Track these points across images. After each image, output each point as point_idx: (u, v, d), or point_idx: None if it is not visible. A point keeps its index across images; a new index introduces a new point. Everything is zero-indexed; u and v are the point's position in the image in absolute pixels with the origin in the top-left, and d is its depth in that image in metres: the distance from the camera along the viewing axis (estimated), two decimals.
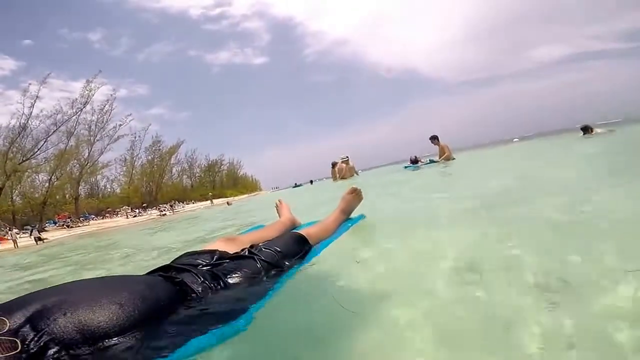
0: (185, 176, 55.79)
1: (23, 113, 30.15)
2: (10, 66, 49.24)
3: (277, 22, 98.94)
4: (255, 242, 1.58)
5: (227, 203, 20.17)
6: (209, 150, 71.15)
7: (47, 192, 30.63)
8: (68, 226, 26.27)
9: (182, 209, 36.06)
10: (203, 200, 45.52)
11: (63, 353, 0.67)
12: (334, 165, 13.88)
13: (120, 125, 37.14)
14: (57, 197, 32.41)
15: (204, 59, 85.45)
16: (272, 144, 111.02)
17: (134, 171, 43.81)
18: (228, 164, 66.84)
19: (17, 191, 30.79)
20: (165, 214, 28.88)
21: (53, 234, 21.64)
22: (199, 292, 1.03)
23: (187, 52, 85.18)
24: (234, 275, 1.17)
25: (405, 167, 10.52)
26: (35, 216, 29.67)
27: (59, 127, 31.89)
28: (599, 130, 11.48)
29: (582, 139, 10.45)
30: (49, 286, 0.85)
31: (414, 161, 10.50)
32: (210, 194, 46.74)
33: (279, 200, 2.59)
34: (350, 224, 2.19)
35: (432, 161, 9.93)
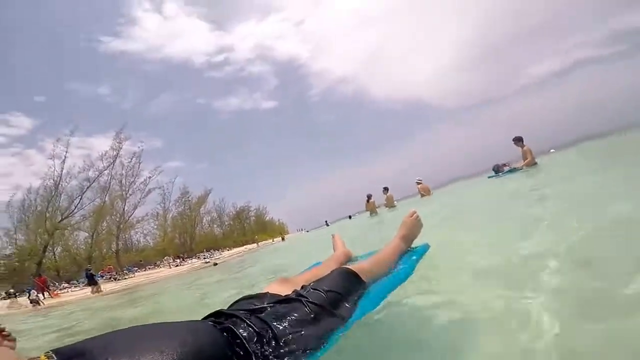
0: (215, 225, 55.42)
1: (54, 171, 30.84)
2: (25, 124, 48.00)
3: (281, 64, 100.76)
4: (309, 281, 1.49)
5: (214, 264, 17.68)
6: (234, 198, 70.21)
7: (90, 247, 30.28)
8: (115, 279, 25.50)
9: (222, 255, 35.61)
10: (237, 247, 45.00)
11: None
12: (369, 198, 13.25)
13: (149, 178, 37.75)
14: (96, 252, 31.99)
15: (213, 107, 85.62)
16: (293, 186, 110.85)
17: (166, 224, 43.40)
18: (255, 210, 67.18)
19: (60, 248, 30.42)
20: (216, 264, 27.89)
21: (105, 286, 20.81)
22: (244, 339, 0.99)
23: (195, 101, 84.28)
24: (282, 321, 1.10)
25: (489, 177, 9.98)
26: (78, 272, 29.04)
27: (92, 183, 32.61)
28: None
29: None
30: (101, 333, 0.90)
31: (497, 170, 9.80)
32: (256, 237, 48.21)
33: (333, 235, 2.50)
34: (415, 257, 1.85)
35: (513, 169, 9.16)
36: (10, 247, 29.20)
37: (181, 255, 38.69)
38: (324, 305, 1.19)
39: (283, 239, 42.91)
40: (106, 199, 33.57)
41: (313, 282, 1.41)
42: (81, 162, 33.89)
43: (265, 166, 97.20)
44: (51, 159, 31.07)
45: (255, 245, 42.86)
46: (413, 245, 1.97)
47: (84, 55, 62.22)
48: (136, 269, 31.72)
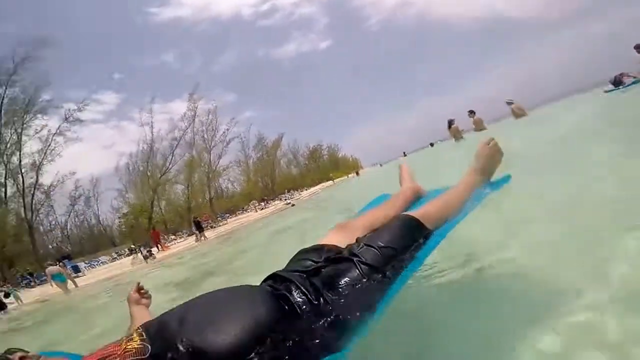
0: (292, 166, 58.61)
1: (146, 136, 35.99)
2: (113, 100, 55.63)
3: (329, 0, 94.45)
4: (369, 226, 1.45)
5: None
6: (306, 139, 72.32)
7: (187, 199, 34.55)
8: (212, 227, 28.59)
9: (300, 195, 38.03)
10: (314, 185, 47.68)
11: None
12: (450, 124, 12.13)
13: (227, 129, 41.75)
14: (193, 203, 36.18)
15: (273, 55, 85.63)
16: (366, 121, 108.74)
17: (249, 169, 47.21)
18: (327, 149, 69.11)
19: (164, 202, 35.18)
20: (293, 204, 29.71)
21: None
22: (298, 306, 1.01)
23: (255, 53, 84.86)
24: (334, 286, 1.08)
25: (607, 91, 8.25)
26: (181, 223, 33.42)
27: (179, 141, 37.24)
28: None
29: None
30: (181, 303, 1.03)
31: (617, 82, 8.06)
32: (331, 174, 51.85)
33: (400, 166, 2.08)
34: (489, 191, 1.51)
35: (638, 80, 7.58)
36: (124, 206, 35.20)
37: (265, 197, 41.91)
38: (377, 265, 1.13)
39: (357, 174, 44.42)
40: (193, 153, 38.17)
41: (369, 234, 1.33)
42: (166, 125, 39.11)
43: (334, 105, 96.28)
44: (141, 126, 36.28)
45: (331, 182, 45.32)
46: (493, 179, 1.62)
47: (141, 29, 66.96)
48: (228, 215, 35.42)
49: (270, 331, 0.94)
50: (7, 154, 26.28)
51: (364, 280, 1.09)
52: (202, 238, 18.69)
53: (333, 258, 1.21)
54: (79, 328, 4.60)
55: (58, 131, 29.06)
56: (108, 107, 52.49)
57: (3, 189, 25.95)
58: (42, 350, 1.19)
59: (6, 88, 25.94)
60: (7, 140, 26.36)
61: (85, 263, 24.76)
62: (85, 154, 47.40)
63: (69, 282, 12.41)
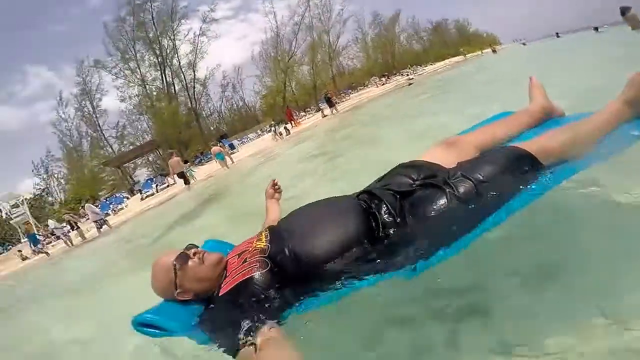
0: (413, 41, 55.78)
1: (272, 25, 39.39)
2: None
3: None
4: (480, 145, 1.37)
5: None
6: (429, 16, 66.58)
7: (313, 78, 38.07)
8: (336, 102, 30.83)
9: (424, 70, 37.71)
10: (439, 61, 46.13)
11: (288, 272, 1.08)
12: (624, 11, 9.77)
13: (342, 9, 42.10)
14: (319, 81, 39.09)
15: None
16: None
17: (367, 46, 47.31)
18: (455, 23, 63.76)
19: (294, 82, 39.21)
20: (411, 83, 29.42)
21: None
22: (384, 225, 1.13)
23: None
24: (421, 213, 1.09)
25: None
26: (309, 100, 37.19)
27: (299, 26, 39.75)
28: None
29: None
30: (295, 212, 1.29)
31: None
32: (461, 49, 49.32)
33: (530, 78, 1.67)
34: (638, 132, 1.17)
35: None
36: (263, 89, 40.44)
37: (386, 73, 42.44)
38: (469, 201, 1.05)
39: (494, 51, 41.11)
40: (314, 35, 40.21)
41: (473, 159, 1.21)
42: (287, 12, 41.43)
43: None
44: (265, 16, 39.71)
45: (462, 57, 43.77)
46: None
47: None
48: (350, 90, 37.64)
49: (357, 244, 1.10)
50: (168, 59, 33.35)
51: (451, 213, 1.04)
52: (334, 112, 20.89)
53: (428, 183, 1.17)
54: (239, 200, 5.45)
55: (200, 32, 34.84)
56: (235, 4, 62.52)
57: (172, 87, 33.53)
58: (211, 238, 1.60)
59: (151, 4, 32.05)
60: (166, 47, 33.27)
61: (238, 140, 29.43)
62: (225, 48, 58.49)
63: (227, 159, 14.19)
